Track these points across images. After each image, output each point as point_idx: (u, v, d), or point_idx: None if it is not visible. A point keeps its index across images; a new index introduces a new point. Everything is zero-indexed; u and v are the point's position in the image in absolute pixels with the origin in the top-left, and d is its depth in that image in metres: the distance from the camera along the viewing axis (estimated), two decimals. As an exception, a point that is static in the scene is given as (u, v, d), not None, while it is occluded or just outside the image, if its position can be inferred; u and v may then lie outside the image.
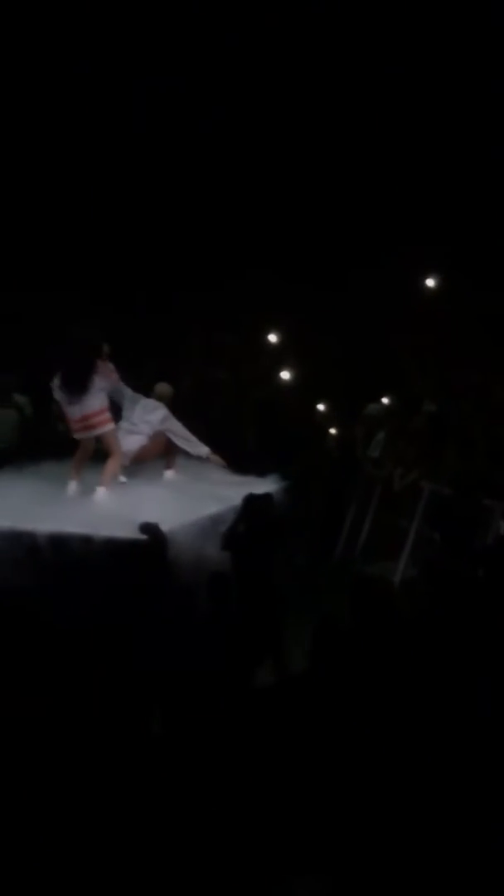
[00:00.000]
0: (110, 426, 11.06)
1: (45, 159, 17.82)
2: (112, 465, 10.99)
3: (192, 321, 16.88)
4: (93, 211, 17.86)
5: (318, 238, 17.40)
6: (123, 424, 11.58)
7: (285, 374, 15.92)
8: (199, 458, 11.77)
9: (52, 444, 11.70)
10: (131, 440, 11.55)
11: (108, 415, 11.06)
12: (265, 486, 11.19)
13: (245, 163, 18.13)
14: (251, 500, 9.87)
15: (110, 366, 11.08)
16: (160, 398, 11.71)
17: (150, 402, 11.67)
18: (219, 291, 17.05)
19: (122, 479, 11.24)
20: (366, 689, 6.40)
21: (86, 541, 9.76)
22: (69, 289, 16.76)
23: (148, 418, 11.62)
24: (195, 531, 10.25)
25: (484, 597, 7.87)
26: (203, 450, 11.75)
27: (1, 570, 9.69)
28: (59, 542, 9.85)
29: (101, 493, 10.80)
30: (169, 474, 11.76)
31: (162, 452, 11.80)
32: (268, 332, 16.88)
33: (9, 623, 7.47)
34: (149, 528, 9.62)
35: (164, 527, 9.79)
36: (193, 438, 11.76)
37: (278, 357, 16.34)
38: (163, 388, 11.81)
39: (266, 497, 9.98)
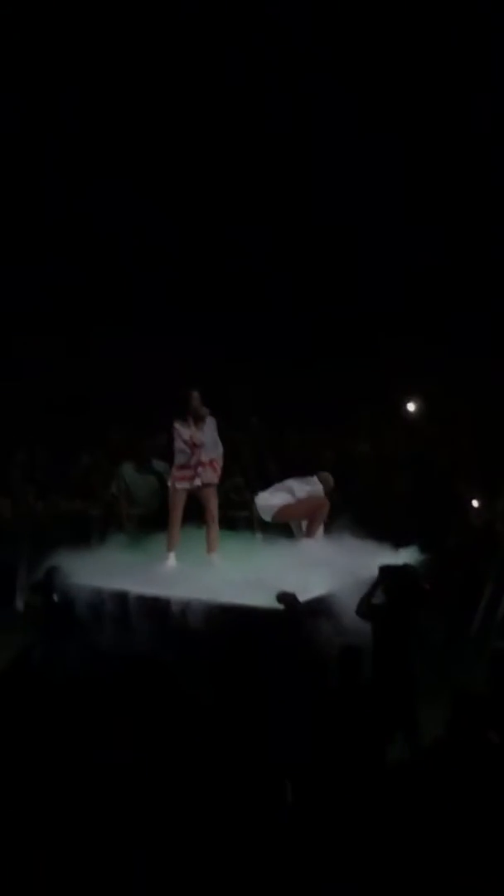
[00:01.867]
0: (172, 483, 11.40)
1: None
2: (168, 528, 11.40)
3: (332, 391, 16.95)
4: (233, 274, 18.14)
5: (461, 304, 17.38)
6: (277, 484, 11.94)
7: (428, 445, 15.82)
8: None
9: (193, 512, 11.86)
10: (278, 497, 11.76)
11: (176, 472, 11.34)
12: (405, 557, 11.20)
13: (380, 233, 18.25)
14: (388, 569, 9.79)
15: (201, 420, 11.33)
16: (322, 481, 11.92)
17: (311, 478, 11.93)
18: (358, 360, 17.11)
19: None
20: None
21: (223, 609, 9.88)
22: (218, 355, 16.95)
23: (299, 486, 11.83)
24: (334, 601, 10.27)
25: None
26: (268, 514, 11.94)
27: (137, 634, 9.88)
28: (198, 610, 9.98)
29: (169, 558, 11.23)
30: (307, 542, 11.81)
31: (304, 515, 11.92)
32: (410, 402, 16.82)
33: (142, 687, 7.54)
34: (286, 598, 9.65)
35: (303, 596, 9.83)
36: (293, 517, 11.98)
37: (421, 427, 16.27)
38: (326, 475, 12.01)
39: (404, 567, 9.94)
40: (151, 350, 16.91)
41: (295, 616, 9.54)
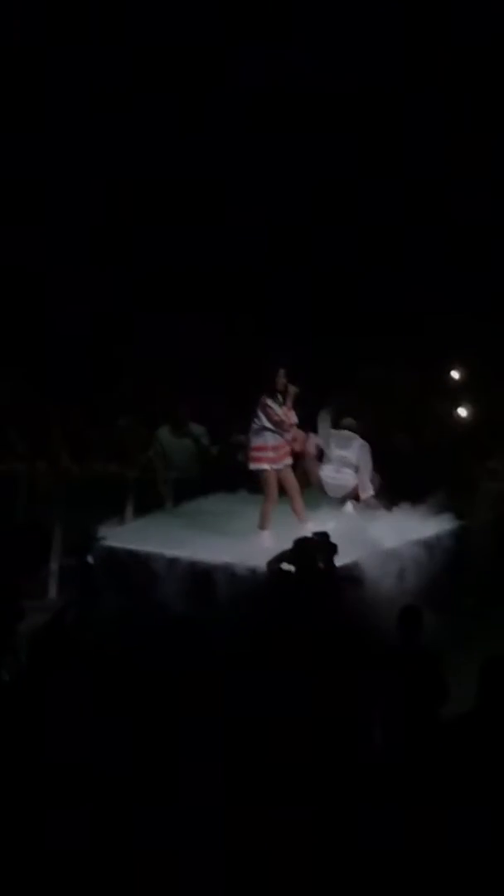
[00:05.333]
0: (260, 465, 11.06)
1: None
2: (264, 507, 11.05)
3: (369, 358, 16.84)
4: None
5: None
6: (328, 465, 11.77)
7: (463, 412, 15.73)
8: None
9: (231, 476, 11.85)
10: (345, 475, 11.67)
11: (261, 453, 11.03)
12: (441, 523, 11.35)
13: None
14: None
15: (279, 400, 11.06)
16: (350, 429, 11.84)
17: (343, 434, 11.82)
18: (397, 326, 16.99)
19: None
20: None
21: (251, 571, 9.89)
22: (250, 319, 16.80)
23: (344, 453, 11.73)
24: (373, 564, 10.32)
25: None
26: (368, 493, 11.83)
27: (174, 597, 9.92)
28: (229, 574, 10.02)
29: (264, 536, 10.89)
30: (349, 507, 11.79)
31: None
32: (447, 369, 16.70)
33: (175, 649, 7.54)
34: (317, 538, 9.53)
35: (342, 560, 9.78)
36: (368, 480, 11.80)
37: (457, 395, 16.16)
38: (351, 421, 11.92)
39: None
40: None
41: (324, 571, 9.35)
